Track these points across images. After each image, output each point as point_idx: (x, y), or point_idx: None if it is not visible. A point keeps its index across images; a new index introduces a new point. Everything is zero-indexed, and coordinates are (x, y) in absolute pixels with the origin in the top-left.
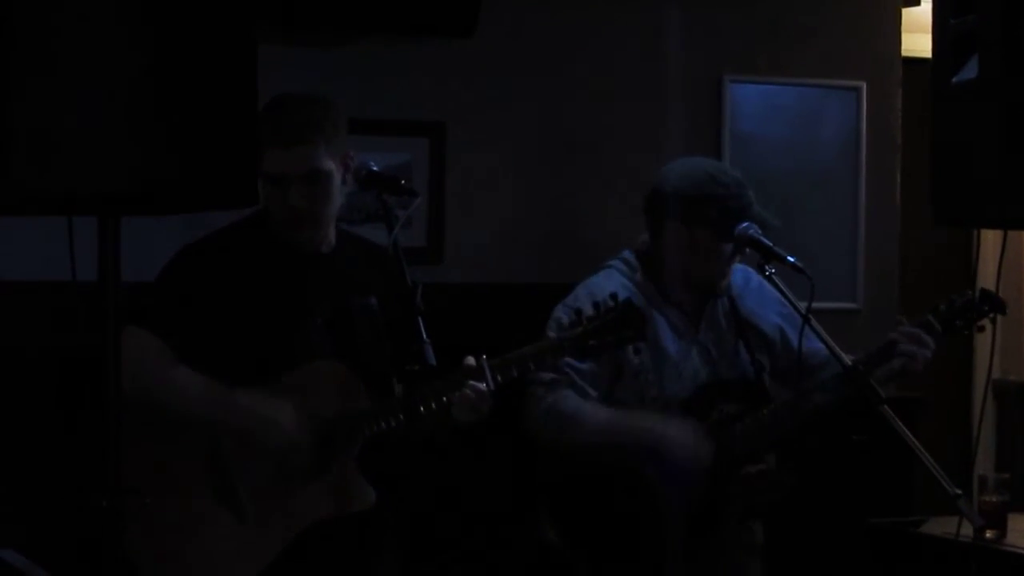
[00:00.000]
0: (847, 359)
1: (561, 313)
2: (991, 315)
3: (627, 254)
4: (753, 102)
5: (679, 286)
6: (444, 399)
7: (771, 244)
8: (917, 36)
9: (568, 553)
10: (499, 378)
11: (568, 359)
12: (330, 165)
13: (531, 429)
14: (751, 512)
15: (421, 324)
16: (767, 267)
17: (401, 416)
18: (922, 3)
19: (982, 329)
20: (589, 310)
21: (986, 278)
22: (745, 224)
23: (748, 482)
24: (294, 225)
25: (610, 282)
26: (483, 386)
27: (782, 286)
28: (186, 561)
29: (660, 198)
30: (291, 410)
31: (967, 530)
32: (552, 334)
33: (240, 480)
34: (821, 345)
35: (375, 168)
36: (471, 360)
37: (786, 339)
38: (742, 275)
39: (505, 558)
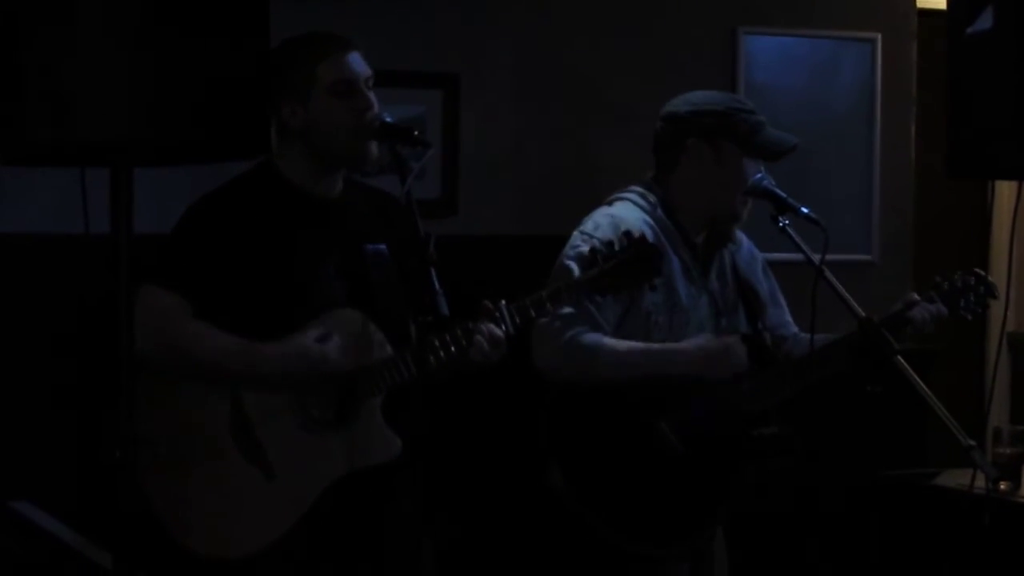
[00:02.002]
0: (860, 311)
1: (580, 242)
2: (985, 300)
3: (640, 188)
4: (768, 54)
5: (696, 222)
6: (462, 344)
7: (785, 195)
8: None
9: (574, 499)
10: (518, 320)
11: None
12: None
13: (547, 365)
14: (758, 474)
15: (434, 275)
16: (781, 218)
17: (420, 362)
18: None
19: (987, 306)
20: (611, 238)
21: (1000, 229)
22: (759, 175)
23: (759, 444)
24: (366, 135)
25: (631, 214)
26: (500, 330)
27: (796, 237)
28: (216, 519)
29: (678, 121)
30: (315, 334)
31: (981, 482)
32: (572, 264)
33: (265, 436)
34: (790, 318)
35: (389, 119)
36: (488, 303)
37: (771, 306)
38: (737, 236)
39: (510, 504)
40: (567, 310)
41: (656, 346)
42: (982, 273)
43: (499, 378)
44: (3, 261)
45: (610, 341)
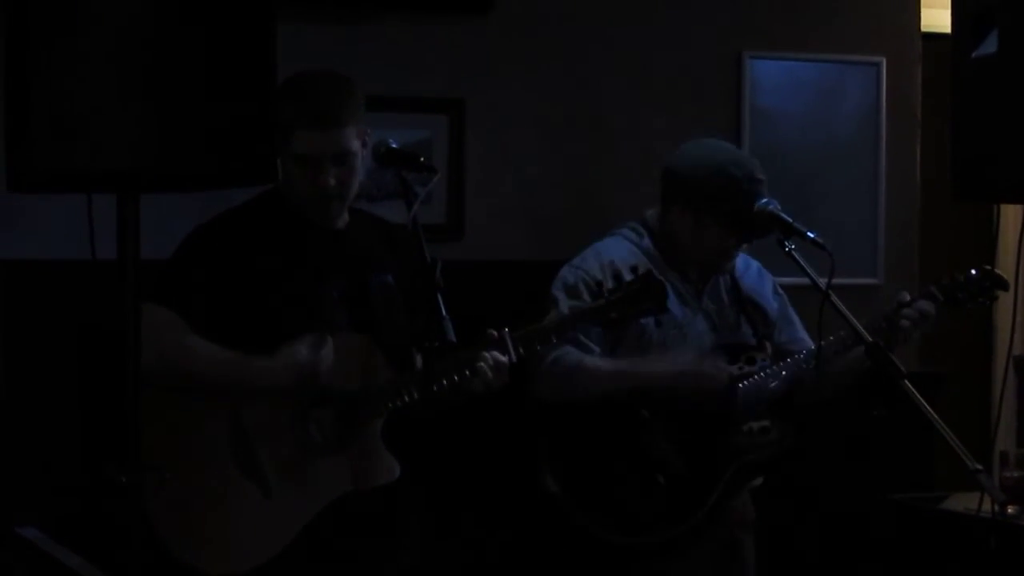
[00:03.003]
0: (867, 335)
1: (567, 273)
2: (993, 292)
3: (634, 223)
4: (773, 77)
5: (684, 261)
6: (466, 371)
7: (791, 220)
8: (937, 11)
9: (568, 503)
10: (521, 350)
11: (565, 310)
12: (356, 145)
13: (535, 388)
14: (753, 469)
15: (441, 301)
16: (787, 243)
17: (423, 387)
18: None
19: (995, 298)
20: (597, 274)
21: (1006, 253)
22: (765, 200)
23: (750, 437)
24: (324, 204)
25: (618, 247)
26: (504, 357)
27: (802, 262)
28: (213, 535)
29: (671, 179)
30: (305, 350)
31: (988, 506)
32: (558, 294)
33: (264, 454)
34: (804, 335)
35: (394, 145)
36: (493, 332)
37: (782, 322)
38: (743, 261)
39: (505, 509)
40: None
41: (634, 368)
42: (989, 268)
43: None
44: (11, 286)
45: (590, 361)
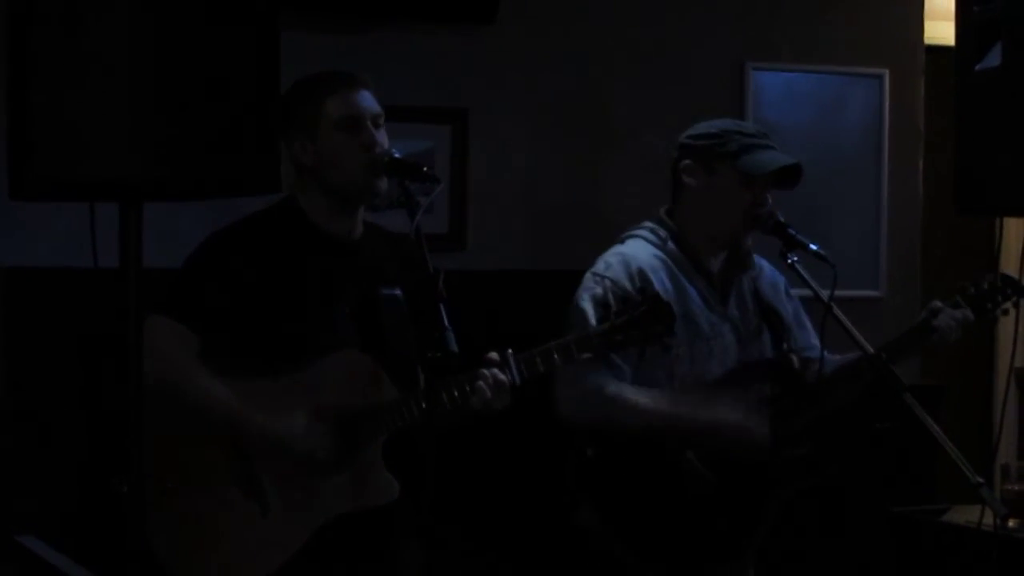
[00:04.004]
0: (869, 347)
1: (594, 284)
2: (1014, 298)
3: (651, 224)
4: (776, 89)
5: (707, 248)
6: (467, 388)
7: (794, 232)
8: (940, 23)
9: (609, 538)
10: (525, 372)
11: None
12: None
13: (567, 410)
14: (793, 495)
15: (443, 311)
16: (789, 255)
17: (424, 406)
18: None
19: (1006, 312)
20: (627, 285)
21: (1008, 266)
22: (769, 208)
23: (792, 466)
24: (374, 172)
25: (643, 251)
26: (504, 376)
27: (805, 274)
28: (209, 552)
29: (679, 148)
30: (303, 424)
31: (990, 519)
32: (586, 307)
33: (264, 472)
34: (816, 342)
35: (397, 155)
36: (494, 354)
37: (796, 327)
38: (756, 262)
39: (539, 543)
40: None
41: (675, 409)
42: (1011, 276)
43: (521, 419)
44: (13, 294)
45: (631, 393)
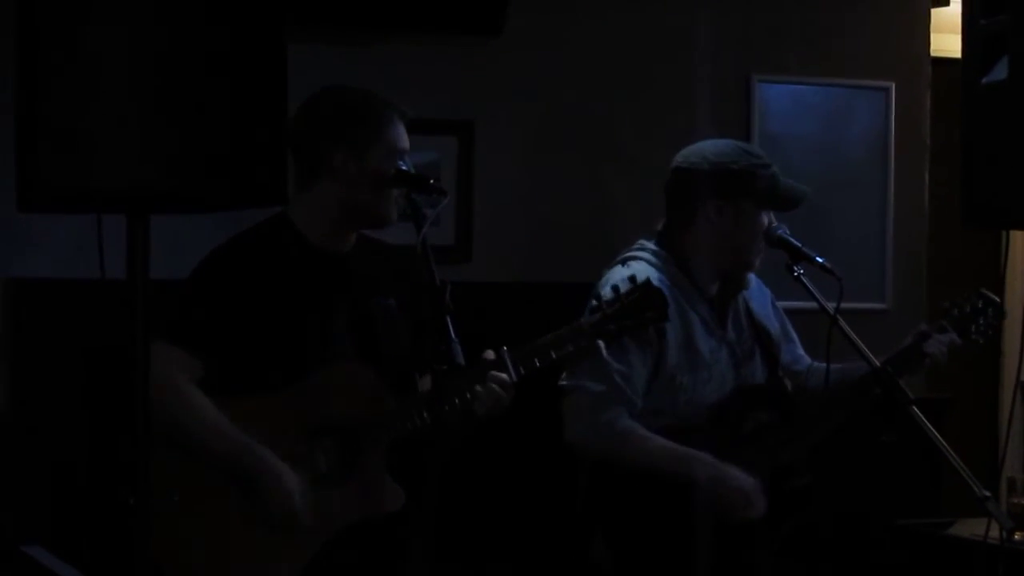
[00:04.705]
0: (876, 360)
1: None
2: (995, 322)
3: (651, 245)
4: (782, 102)
5: (710, 274)
6: (467, 394)
7: (799, 244)
8: (946, 36)
9: (623, 571)
10: (522, 369)
11: (609, 359)
12: None
13: (577, 441)
14: (804, 527)
15: (450, 323)
16: (795, 267)
17: (425, 415)
18: (951, 3)
19: (990, 336)
20: (609, 294)
21: (1014, 279)
22: (775, 225)
23: (793, 497)
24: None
25: (647, 273)
26: (505, 376)
27: (811, 286)
28: (217, 566)
29: (695, 179)
30: (295, 483)
31: (996, 532)
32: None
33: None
34: (802, 351)
35: (404, 167)
36: (490, 353)
37: (783, 341)
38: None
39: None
40: (599, 387)
41: (683, 452)
42: (989, 295)
43: (530, 429)
44: (20, 305)
45: (642, 433)
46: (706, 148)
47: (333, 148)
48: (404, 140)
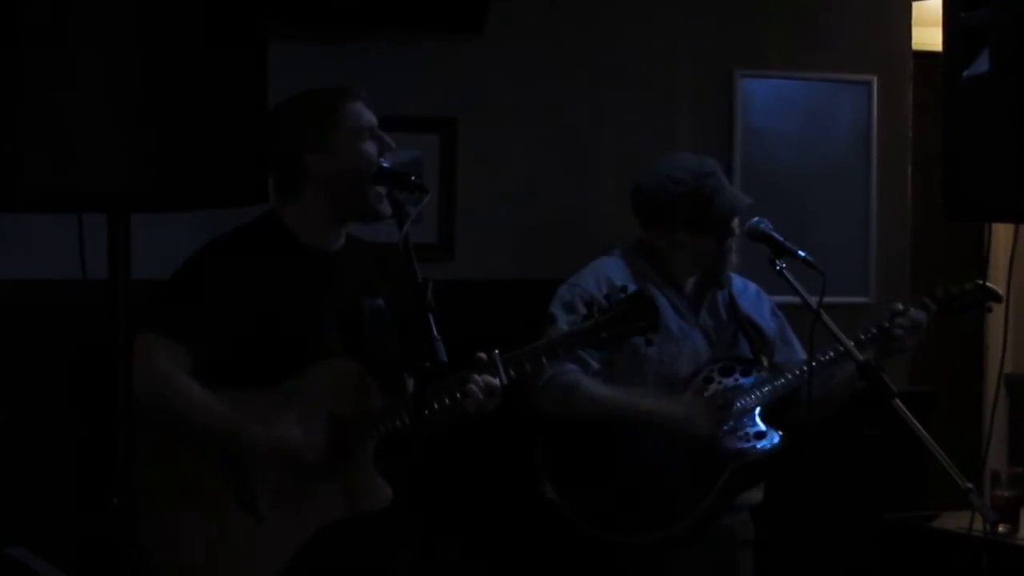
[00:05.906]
0: (859, 355)
1: (564, 291)
2: (987, 304)
3: (631, 243)
4: (764, 97)
5: (685, 271)
6: (456, 395)
7: (782, 239)
8: (928, 29)
9: (568, 510)
10: (512, 372)
11: (558, 313)
12: None
13: (535, 403)
14: (750, 470)
15: (432, 321)
16: (778, 262)
17: (414, 413)
18: None
19: (990, 310)
20: (594, 290)
21: (997, 272)
22: (756, 219)
23: (746, 440)
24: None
25: (614, 265)
26: (495, 380)
27: (793, 281)
28: (204, 562)
29: (640, 202)
30: (298, 426)
31: (980, 525)
32: (556, 312)
33: (257, 481)
34: (802, 356)
35: (386, 164)
36: (483, 355)
37: (780, 343)
38: (740, 282)
39: (503, 517)
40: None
41: (630, 401)
42: (982, 282)
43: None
44: (1, 307)
45: (587, 383)
46: (649, 172)
47: (304, 152)
48: (366, 116)
